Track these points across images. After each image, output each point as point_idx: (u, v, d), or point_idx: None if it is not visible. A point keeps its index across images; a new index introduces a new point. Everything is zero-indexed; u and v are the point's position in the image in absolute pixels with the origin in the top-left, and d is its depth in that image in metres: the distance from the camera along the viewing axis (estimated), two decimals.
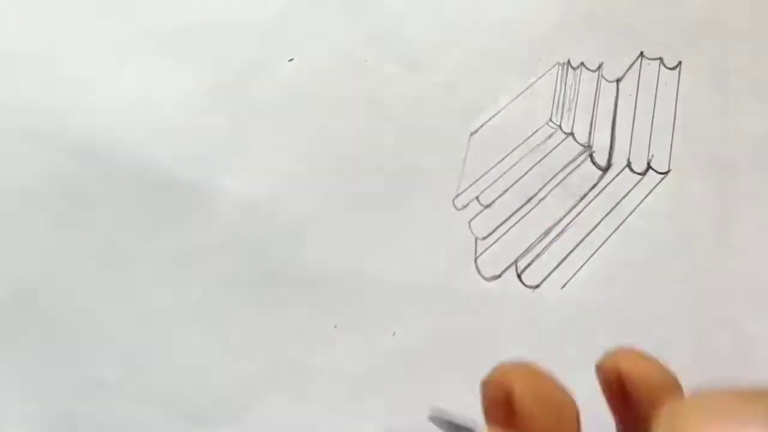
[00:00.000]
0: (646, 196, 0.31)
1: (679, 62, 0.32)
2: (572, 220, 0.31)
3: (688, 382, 0.29)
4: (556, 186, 0.31)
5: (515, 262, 0.30)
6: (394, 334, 0.29)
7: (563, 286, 0.30)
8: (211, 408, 0.28)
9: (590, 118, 0.31)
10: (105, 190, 0.29)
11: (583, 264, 0.30)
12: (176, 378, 0.28)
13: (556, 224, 0.31)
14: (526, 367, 0.18)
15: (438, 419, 0.19)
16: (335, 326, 0.29)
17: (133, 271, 0.29)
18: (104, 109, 0.29)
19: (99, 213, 0.28)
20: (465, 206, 0.30)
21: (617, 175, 0.31)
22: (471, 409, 0.29)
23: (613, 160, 0.31)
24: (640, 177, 0.31)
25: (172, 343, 0.28)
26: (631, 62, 0.32)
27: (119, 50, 0.30)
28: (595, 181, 0.31)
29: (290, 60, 0.30)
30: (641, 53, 0.32)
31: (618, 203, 0.31)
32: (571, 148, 0.31)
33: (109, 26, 0.30)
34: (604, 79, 0.32)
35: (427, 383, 0.29)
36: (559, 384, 0.18)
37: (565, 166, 0.31)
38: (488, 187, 0.31)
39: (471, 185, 0.31)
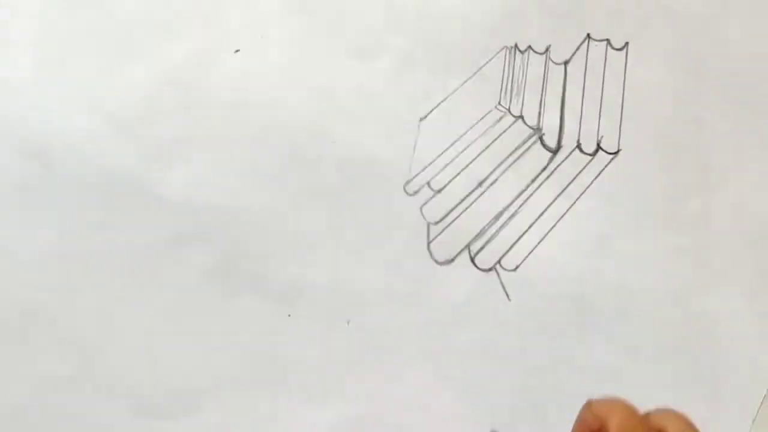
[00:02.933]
0: (597, 176, 0.31)
1: (626, 43, 0.32)
2: (524, 203, 0.31)
3: (644, 358, 0.29)
4: (507, 169, 0.31)
5: (468, 246, 0.30)
6: (348, 323, 0.29)
7: (516, 268, 0.30)
8: (169, 400, 0.28)
9: (539, 101, 0.32)
10: (54, 188, 0.28)
11: (536, 246, 0.31)
12: (132, 371, 0.28)
13: (507, 207, 0.31)
14: (623, 405, 0.21)
15: None
16: (289, 315, 0.29)
17: (85, 266, 0.28)
18: (51, 107, 0.29)
19: (48, 210, 0.28)
20: (416, 192, 0.30)
21: (567, 156, 0.31)
22: (424, 391, 0.29)
23: (563, 142, 0.31)
24: (590, 158, 0.31)
25: (126, 336, 0.28)
26: (578, 44, 0.32)
27: (64, 46, 0.29)
28: (545, 163, 0.31)
29: (236, 51, 0.30)
30: (588, 35, 0.32)
31: (569, 184, 0.31)
32: (521, 131, 0.31)
33: (54, 22, 0.29)
34: (552, 61, 0.32)
35: (382, 370, 0.29)
36: (648, 423, 0.20)
37: (516, 149, 0.31)
38: (439, 172, 0.31)
39: (422, 171, 0.31)
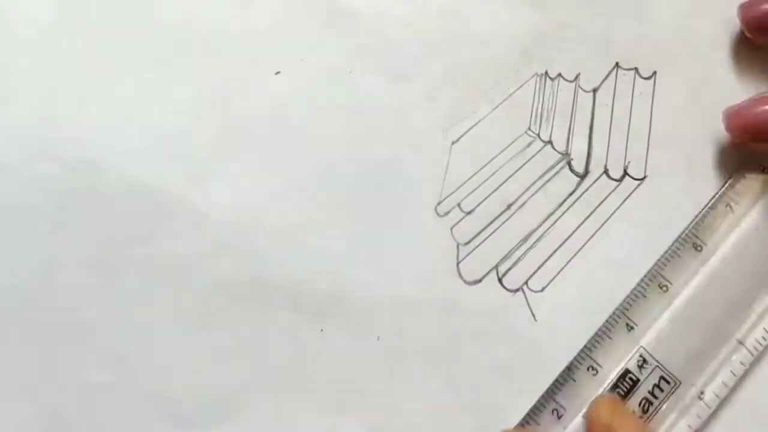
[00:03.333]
0: (623, 201, 0.32)
1: (654, 72, 0.33)
2: (551, 226, 0.32)
3: None
4: (536, 193, 0.32)
5: (496, 266, 0.31)
6: (378, 338, 0.30)
7: (542, 290, 0.31)
8: (199, 410, 0.29)
9: (568, 127, 0.32)
10: (96, 200, 0.29)
11: (562, 268, 0.31)
12: (166, 381, 0.29)
13: (535, 230, 0.32)
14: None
15: None
16: (321, 330, 0.30)
17: (125, 278, 0.29)
18: (95, 122, 0.30)
19: (90, 222, 0.29)
20: (447, 213, 0.31)
21: (595, 181, 0.32)
22: (448, 410, 0.30)
23: (591, 167, 0.32)
24: (617, 183, 0.32)
25: (162, 347, 0.29)
26: (606, 73, 0.33)
27: (111, 64, 0.31)
28: (573, 188, 0.32)
29: (277, 73, 0.31)
30: (617, 64, 0.33)
31: (596, 209, 0.32)
32: (550, 155, 0.32)
33: (102, 41, 0.31)
34: (581, 89, 0.33)
35: (409, 385, 0.30)
36: None
37: (544, 174, 0.32)
38: (470, 194, 0.32)
39: (453, 192, 0.31)
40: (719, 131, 0.32)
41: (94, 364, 0.29)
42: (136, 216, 0.30)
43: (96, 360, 0.29)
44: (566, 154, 0.32)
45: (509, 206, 0.32)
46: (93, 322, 0.29)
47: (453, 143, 0.32)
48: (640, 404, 0.29)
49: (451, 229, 0.31)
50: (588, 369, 0.30)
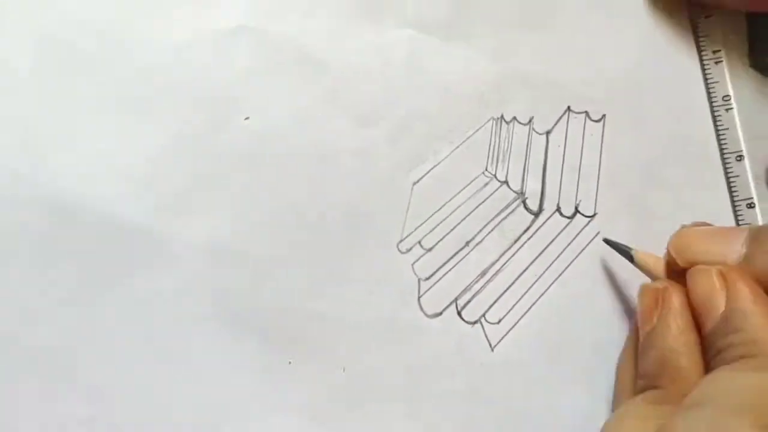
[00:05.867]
0: (575, 237, 0.34)
1: (603, 115, 0.35)
2: (507, 261, 0.34)
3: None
4: (492, 230, 0.34)
5: (455, 300, 0.33)
6: (344, 369, 0.32)
7: (499, 321, 0.33)
8: None
9: (522, 167, 0.35)
10: (72, 242, 0.31)
11: (518, 301, 0.33)
12: (143, 414, 0.30)
13: (492, 265, 0.34)
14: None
15: (608, 240, 0.33)
16: (290, 362, 0.32)
17: (102, 314, 0.31)
18: (71, 165, 0.32)
19: (67, 263, 0.31)
20: (408, 250, 0.33)
21: (548, 218, 0.34)
22: None
23: (544, 206, 0.34)
24: (568, 220, 0.34)
25: (139, 380, 0.31)
26: (559, 116, 0.35)
27: (85, 110, 0.32)
28: (527, 225, 0.34)
29: (246, 118, 0.33)
30: (568, 107, 0.35)
31: (549, 245, 0.34)
32: (506, 195, 0.34)
33: (79, 87, 0.32)
34: (535, 131, 0.35)
35: (374, 416, 0.32)
36: None
37: (500, 212, 0.34)
38: (430, 232, 0.34)
39: (414, 230, 0.33)
40: (662, 171, 0.35)
41: (74, 398, 0.30)
42: (108, 255, 0.31)
43: (76, 395, 0.30)
44: (521, 193, 0.34)
45: (467, 243, 0.34)
46: (70, 358, 0.30)
47: (414, 184, 0.34)
48: None
49: (413, 265, 0.33)
50: None
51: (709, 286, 0.26)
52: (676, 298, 0.27)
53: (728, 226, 0.30)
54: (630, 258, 0.32)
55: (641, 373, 0.27)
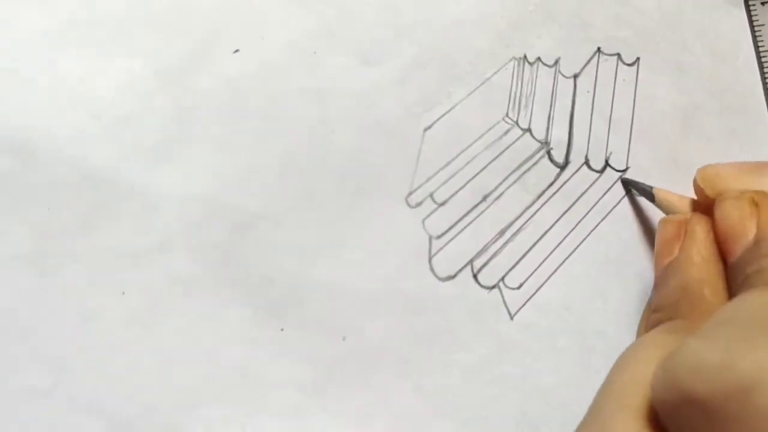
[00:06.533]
0: (604, 194, 0.30)
1: (637, 58, 0.31)
2: (529, 219, 0.30)
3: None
4: (513, 183, 0.30)
5: (471, 261, 0.29)
6: (344, 338, 0.28)
7: (519, 287, 0.29)
8: (144, 419, 0.26)
9: (547, 115, 0.31)
10: (29, 186, 0.27)
11: (541, 264, 0.30)
12: (107, 386, 0.26)
13: (512, 222, 0.30)
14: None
15: (627, 180, 0.30)
16: (282, 330, 0.28)
17: (63, 271, 0.27)
18: (29, 100, 0.27)
19: (25, 211, 0.27)
20: (419, 204, 0.29)
21: (575, 172, 0.30)
22: (419, 417, 0.28)
23: (571, 158, 0.31)
24: (598, 174, 0.31)
25: (106, 349, 0.27)
26: (588, 58, 0.31)
27: (53, 39, 0.28)
28: (552, 179, 0.30)
29: (235, 51, 0.29)
30: (598, 49, 0.31)
31: (576, 201, 0.30)
32: (528, 144, 0.30)
33: (42, 14, 0.28)
34: (561, 74, 0.31)
35: (377, 390, 0.28)
36: None
37: (522, 163, 0.30)
38: (443, 184, 0.30)
39: (425, 182, 0.29)
40: (702, 121, 0.31)
41: (27, 367, 0.26)
42: (75, 205, 0.27)
43: (30, 362, 0.26)
44: (546, 143, 0.30)
45: (485, 198, 0.30)
46: (27, 322, 0.26)
47: (425, 130, 0.30)
48: None
49: (423, 221, 0.29)
50: None
51: (739, 212, 0.24)
52: (700, 228, 0.25)
53: (761, 161, 0.27)
54: (651, 198, 0.28)
55: (657, 306, 0.26)
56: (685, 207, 0.28)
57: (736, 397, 0.16)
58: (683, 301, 0.24)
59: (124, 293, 0.27)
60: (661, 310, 0.25)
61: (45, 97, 0.28)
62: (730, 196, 0.25)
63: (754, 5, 0.32)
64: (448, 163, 0.30)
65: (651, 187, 0.29)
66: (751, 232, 0.24)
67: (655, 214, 0.30)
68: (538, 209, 0.30)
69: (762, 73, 0.32)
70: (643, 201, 0.30)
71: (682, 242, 0.25)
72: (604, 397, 0.22)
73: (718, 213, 0.25)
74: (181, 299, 0.27)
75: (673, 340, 0.21)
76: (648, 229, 0.30)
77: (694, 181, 0.27)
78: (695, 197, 0.27)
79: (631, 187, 0.30)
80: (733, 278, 0.24)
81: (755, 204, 0.24)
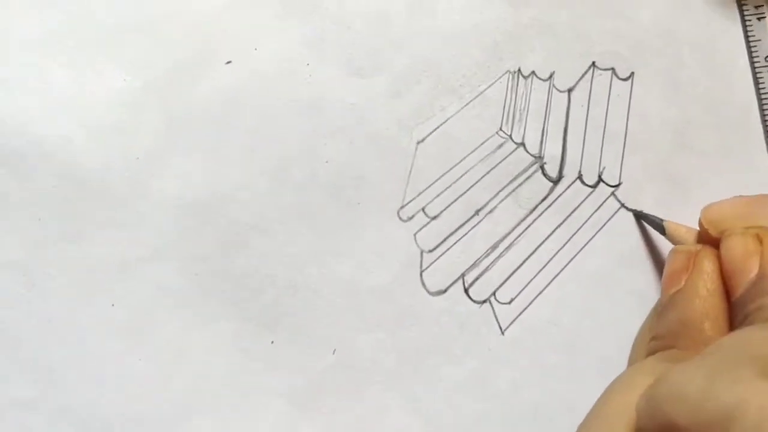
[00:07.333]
0: (597, 209, 0.30)
1: (632, 73, 0.31)
2: (521, 233, 0.30)
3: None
4: (506, 198, 0.30)
5: (462, 276, 0.29)
6: (334, 352, 0.28)
7: (510, 302, 0.29)
8: (135, 428, 0.26)
9: (541, 128, 0.31)
10: (20, 194, 0.27)
11: (532, 279, 0.29)
12: (95, 398, 0.26)
13: (505, 237, 0.30)
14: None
15: (638, 213, 0.30)
16: (272, 342, 0.28)
17: (56, 281, 0.27)
18: (22, 109, 0.27)
19: (22, 219, 0.27)
20: (411, 218, 0.29)
21: (568, 187, 0.30)
22: (410, 428, 0.28)
23: (564, 172, 0.30)
24: (591, 189, 0.30)
25: (95, 360, 0.26)
26: (582, 72, 0.31)
27: (45, 48, 0.28)
28: (545, 193, 0.30)
29: (228, 62, 0.29)
30: (593, 63, 0.31)
31: (568, 216, 0.30)
32: (522, 158, 0.30)
33: (34, 23, 0.28)
34: (556, 88, 0.31)
35: (368, 405, 0.28)
36: None
37: (515, 177, 0.30)
38: (435, 198, 0.29)
39: (417, 196, 0.29)
40: (696, 136, 0.31)
41: (14, 377, 0.26)
42: (64, 215, 0.27)
43: (17, 373, 0.26)
44: (539, 158, 0.30)
45: (477, 212, 0.30)
46: (14, 331, 0.26)
47: (418, 143, 0.30)
48: None
49: (415, 235, 0.29)
50: None
51: (743, 248, 0.24)
52: (708, 262, 0.25)
53: (764, 194, 0.27)
54: (661, 230, 0.28)
55: (657, 335, 0.26)
56: (694, 239, 0.28)
57: (716, 428, 0.16)
58: (683, 333, 0.24)
59: (113, 305, 0.27)
60: (661, 339, 0.25)
61: (35, 107, 0.27)
62: (735, 232, 0.25)
63: (749, 20, 0.32)
64: (440, 177, 0.30)
65: (662, 220, 0.29)
66: (754, 269, 0.24)
67: (665, 244, 0.30)
68: (531, 224, 0.30)
69: (757, 88, 0.32)
70: (650, 230, 0.30)
71: (689, 274, 0.26)
72: (593, 420, 0.22)
73: (723, 249, 0.25)
74: (171, 310, 0.27)
75: (664, 369, 0.21)
76: (641, 247, 0.30)
77: (699, 222, 0.27)
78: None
79: (642, 220, 0.30)
80: (735, 315, 0.24)
81: (759, 240, 0.24)
